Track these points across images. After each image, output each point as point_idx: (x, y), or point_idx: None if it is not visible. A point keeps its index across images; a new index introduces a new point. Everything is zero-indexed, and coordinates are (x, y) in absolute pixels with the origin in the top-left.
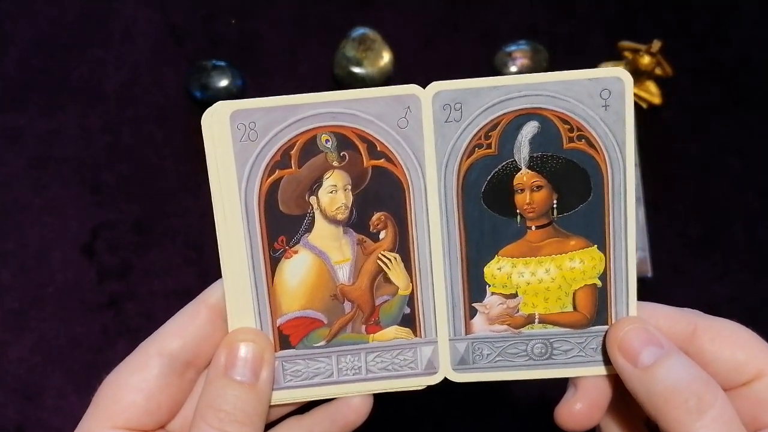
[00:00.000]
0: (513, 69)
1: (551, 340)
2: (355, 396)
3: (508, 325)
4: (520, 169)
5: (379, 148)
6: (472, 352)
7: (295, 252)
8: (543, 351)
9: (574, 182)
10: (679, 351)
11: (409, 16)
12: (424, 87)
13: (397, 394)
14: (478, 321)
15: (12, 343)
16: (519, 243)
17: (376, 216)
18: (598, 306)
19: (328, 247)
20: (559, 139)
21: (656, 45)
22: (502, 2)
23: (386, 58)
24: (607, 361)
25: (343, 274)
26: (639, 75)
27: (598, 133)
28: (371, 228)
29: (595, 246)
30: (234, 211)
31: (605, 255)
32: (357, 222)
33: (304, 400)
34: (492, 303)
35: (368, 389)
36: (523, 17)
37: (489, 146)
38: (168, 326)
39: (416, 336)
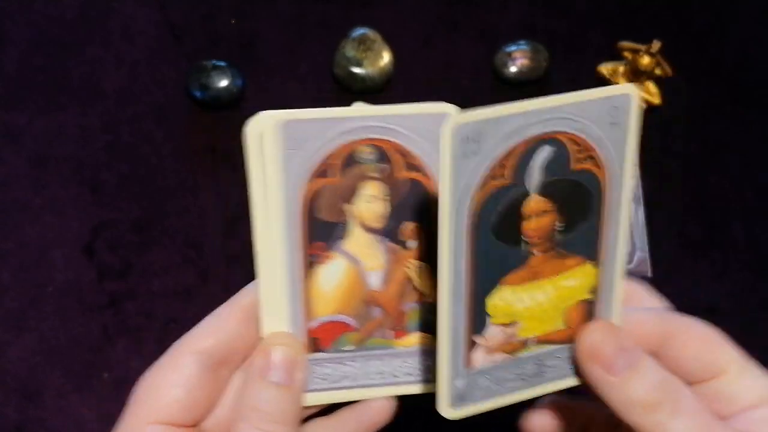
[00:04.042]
0: (513, 69)
1: (542, 359)
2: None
3: (506, 352)
4: (530, 194)
5: (415, 162)
6: (469, 385)
7: (330, 257)
8: (536, 371)
9: (578, 204)
10: (647, 355)
11: (409, 16)
12: (425, 89)
13: (421, 396)
14: (478, 354)
15: (12, 343)
16: (521, 270)
17: (408, 226)
18: (586, 319)
19: (362, 254)
20: (568, 161)
21: (656, 45)
22: (502, 2)
23: (386, 58)
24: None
25: (375, 281)
26: (639, 75)
27: (603, 151)
28: (403, 237)
29: (590, 263)
30: (276, 216)
31: (597, 269)
32: (390, 231)
33: (331, 402)
34: (492, 335)
35: (393, 393)
36: (523, 17)
37: (502, 176)
38: (201, 326)
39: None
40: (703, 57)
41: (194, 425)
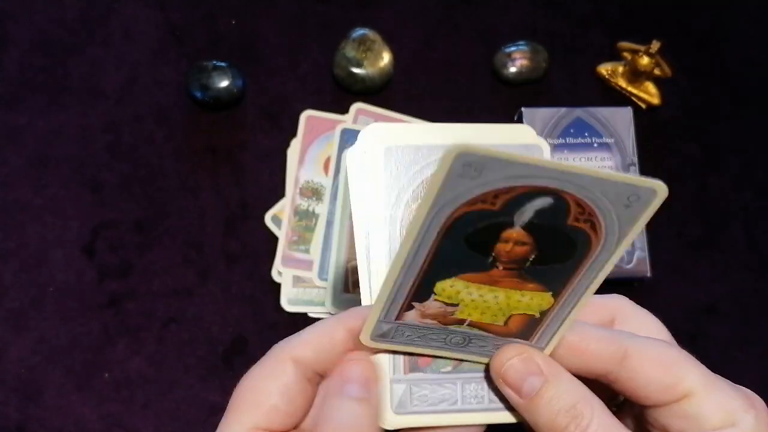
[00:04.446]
0: (513, 69)
1: (471, 337)
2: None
3: (439, 321)
4: (514, 226)
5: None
6: (394, 330)
7: None
8: (459, 341)
9: (559, 249)
10: (559, 374)
11: (409, 17)
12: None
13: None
14: (411, 314)
15: (12, 343)
16: (481, 274)
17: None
18: (527, 328)
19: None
20: (566, 216)
21: (655, 45)
22: (502, 2)
23: (386, 58)
24: None
25: None
26: (638, 75)
27: (607, 222)
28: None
29: (550, 293)
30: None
31: (554, 301)
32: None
33: (430, 425)
34: (431, 305)
35: (490, 420)
36: (523, 17)
37: (493, 204)
38: (303, 335)
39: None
40: (703, 57)
41: (292, 430)
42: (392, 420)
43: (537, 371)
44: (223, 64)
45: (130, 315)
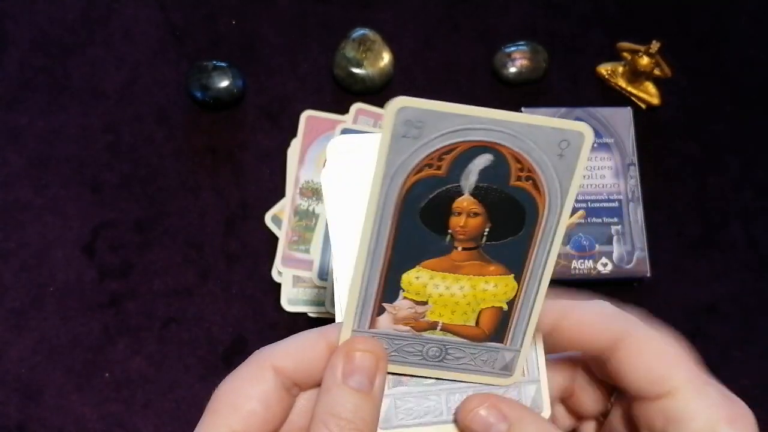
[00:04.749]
0: (512, 69)
1: (447, 347)
2: None
3: (411, 327)
4: (463, 194)
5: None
6: None
7: None
8: (437, 354)
9: (510, 217)
10: (523, 417)
11: (409, 17)
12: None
13: None
14: (383, 319)
15: (13, 342)
16: (442, 259)
17: None
18: (499, 326)
19: None
20: (507, 175)
21: (655, 46)
22: (502, 3)
23: (386, 58)
24: (491, 373)
25: None
26: (638, 75)
27: (546, 177)
28: None
29: (512, 276)
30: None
31: (519, 285)
32: None
33: None
34: (401, 306)
35: None
36: (523, 17)
37: (439, 168)
38: (284, 345)
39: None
40: (703, 57)
41: None
42: None
43: (501, 418)
44: (223, 64)
45: (131, 315)
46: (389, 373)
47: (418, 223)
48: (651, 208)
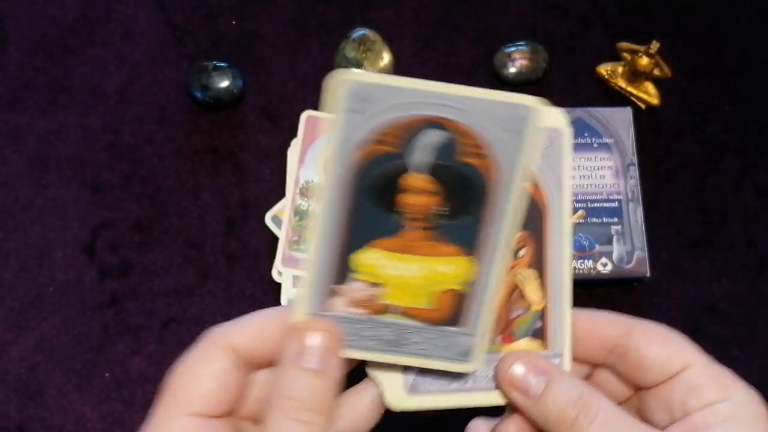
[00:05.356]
0: (512, 70)
1: (403, 331)
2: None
3: (367, 310)
4: (412, 171)
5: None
6: None
7: None
8: (393, 339)
9: (461, 195)
10: (561, 372)
11: (409, 17)
12: None
13: None
14: (337, 301)
15: (13, 342)
16: (395, 239)
17: (518, 235)
18: (455, 309)
19: None
20: (457, 151)
21: (655, 46)
22: (502, 3)
23: (386, 58)
24: (449, 358)
25: None
26: (638, 76)
27: (495, 153)
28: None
29: (468, 256)
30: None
31: (475, 266)
32: None
33: (441, 406)
34: (355, 287)
35: (500, 400)
36: (523, 17)
37: (387, 143)
38: (235, 323)
39: (545, 348)
40: (703, 57)
41: (226, 417)
42: (406, 401)
43: (540, 371)
44: (223, 64)
45: (131, 315)
46: (345, 357)
47: (368, 201)
48: (651, 208)
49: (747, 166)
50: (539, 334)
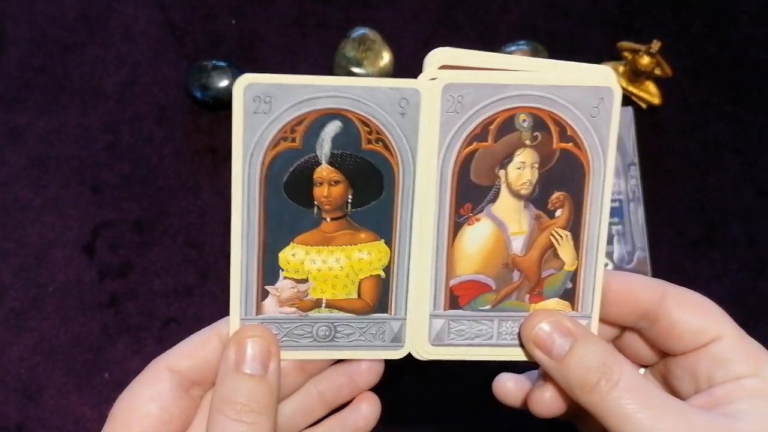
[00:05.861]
0: None
1: (335, 324)
2: (363, 402)
3: (297, 308)
4: (321, 164)
5: (569, 133)
6: None
7: (478, 219)
8: (327, 334)
9: (369, 181)
10: (587, 334)
11: (409, 16)
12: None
13: None
14: (269, 303)
15: (12, 343)
16: (314, 232)
17: (555, 195)
18: (380, 296)
19: (508, 219)
20: (359, 139)
21: (656, 45)
22: (502, 2)
23: (386, 58)
24: (382, 346)
25: (517, 245)
26: (638, 75)
27: (394, 137)
28: (550, 206)
29: (382, 240)
30: (429, 176)
31: (390, 249)
32: (538, 198)
33: (465, 358)
34: (283, 286)
35: (522, 356)
36: (523, 17)
37: (294, 140)
38: (178, 347)
39: (574, 309)
40: (703, 57)
41: None
42: (429, 351)
43: (566, 333)
44: (223, 64)
45: (130, 315)
46: (283, 360)
47: (285, 199)
48: (651, 208)
49: (747, 166)
50: (569, 295)
